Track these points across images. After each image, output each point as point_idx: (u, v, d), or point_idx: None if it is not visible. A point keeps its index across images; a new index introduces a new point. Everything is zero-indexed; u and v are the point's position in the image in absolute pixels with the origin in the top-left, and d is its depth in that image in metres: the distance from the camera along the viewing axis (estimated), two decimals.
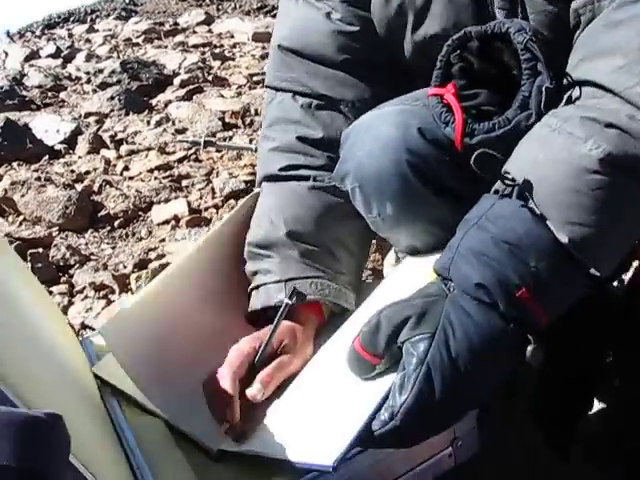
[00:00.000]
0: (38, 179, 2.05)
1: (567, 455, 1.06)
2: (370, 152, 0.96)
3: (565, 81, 0.86)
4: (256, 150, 2.29)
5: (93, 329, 1.42)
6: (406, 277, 1.03)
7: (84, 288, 1.64)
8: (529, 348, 0.80)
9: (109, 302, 1.58)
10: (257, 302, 1.04)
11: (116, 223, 1.96)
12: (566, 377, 0.81)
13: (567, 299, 0.82)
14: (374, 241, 1.38)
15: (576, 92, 0.84)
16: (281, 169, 1.09)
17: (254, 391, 0.94)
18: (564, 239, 0.78)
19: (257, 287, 1.05)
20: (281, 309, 0.97)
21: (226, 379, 0.93)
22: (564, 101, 0.85)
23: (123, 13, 5.42)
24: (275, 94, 1.14)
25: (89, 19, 5.46)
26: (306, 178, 1.08)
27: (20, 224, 1.94)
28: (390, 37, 1.03)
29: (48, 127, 2.56)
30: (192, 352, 1.02)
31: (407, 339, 0.79)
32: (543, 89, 0.84)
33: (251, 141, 2.44)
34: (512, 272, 0.78)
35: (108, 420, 1.00)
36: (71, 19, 5.52)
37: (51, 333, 1.05)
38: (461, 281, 0.81)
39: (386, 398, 0.79)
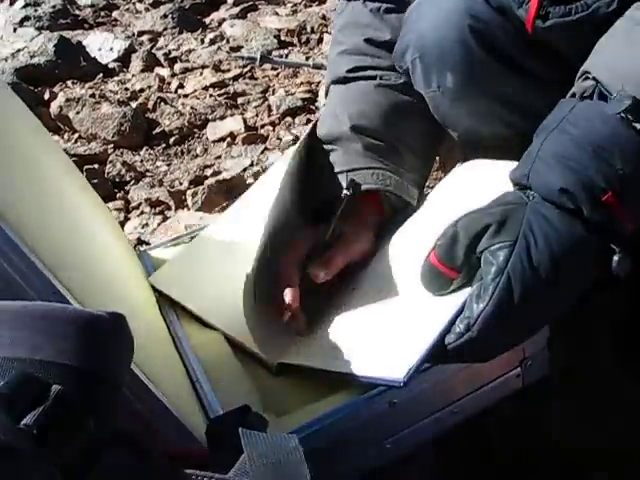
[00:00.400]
0: (92, 96, 2.02)
1: None
2: (432, 21, 0.93)
3: None
4: (313, 67, 2.23)
5: (149, 244, 1.40)
6: (469, 178, 0.97)
7: (140, 204, 1.62)
8: (615, 258, 0.74)
9: (165, 218, 1.56)
10: (318, 194, 1.02)
11: (171, 140, 1.92)
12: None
13: None
14: (437, 158, 1.32)
15: None
16: (348, 70, 1.06)
17: (315, 269, 0.93)
18: None
19: (319, 180, 1.02)
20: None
21: (285, 264, 0.94)
22: None
23: None
24: (346, 4, 1.11)
25: None
26: (373, 78, 1.04)
27: (75, 141, 1.92)
28: None
29: (102, 45, 2.51)
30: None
31: (486, 248, 0.75)
32: None
33: (307, 59, 2.37)
34: (597, 175, 0.73)
35: (167, 332, 0.99)
36: None
37: (110, 242, 1.03)
38: (542, 187, 0.76)
39: (461, 311, 0.75)
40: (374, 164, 0.98)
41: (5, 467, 0.36)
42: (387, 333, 0.83)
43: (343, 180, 0.97)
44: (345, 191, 0.95)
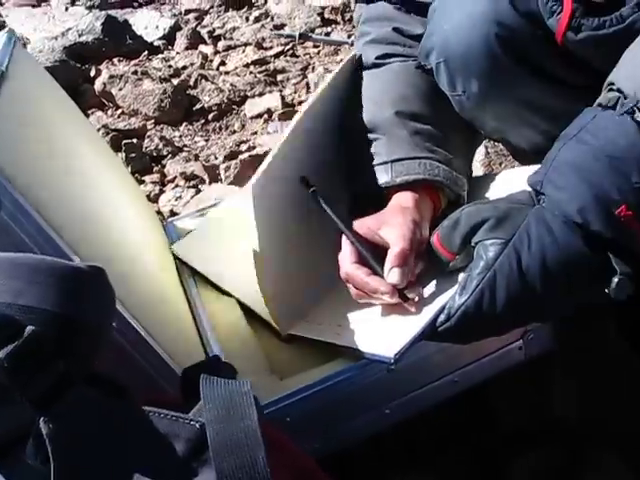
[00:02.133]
0: (135, 73, 2.07)
1: None
2: (457, 25, 0.89)
3: None
4: (352, 45, 2.24)
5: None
6: (500, 182, 0.98)
7: (175, 177, 1.67)
8: (614, 279, 0.73)
9: (198, 191, 1.61)
10: (361, 188, 0.96)
11: (210, 116, 1.97)
12: None
13: None
14: None
15: None
16: (377, 57, 1.01)
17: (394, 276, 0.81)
18: None
19: (362, 173, 0.95)
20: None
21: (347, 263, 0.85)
22: None
23: None
24: (367, 5, 1.07)
25: None
26: (406, 62, 1.00)
27: (118, 117, 1.98)
28: None
29: (148, 24, 2.57)
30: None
31: (480, 240, 0.76)
32: None
33: (349, 37, 2.38)
34: (612, 187, 0.71)
35: (184, 297, 1.03)
36: None
37: (129, 211, 1.07)
38: (553, 196, 0.75)
39: None
40: (421, 153, 0.92)
41: None
42: (389, 314, 0.85)
43: (387, 172, 0.91)
44: (390, 179, 0.90)
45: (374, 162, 0.93)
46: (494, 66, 0.88)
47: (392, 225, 0.84)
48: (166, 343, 0.77)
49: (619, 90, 0.74)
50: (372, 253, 0.84)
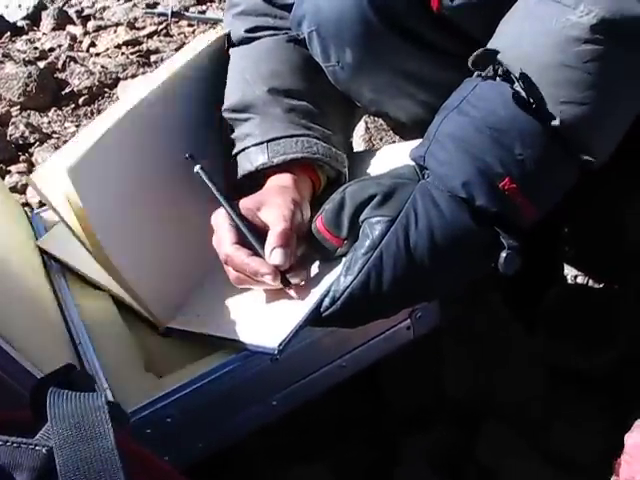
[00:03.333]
0: None
1: (533, 328, 1.03)
2: None
3: None
4: None
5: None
6: (381, 157, 0.95)
7: None
8: (502, 254, 0.72)
9: None
10: (237, 171, 0.89)
11: (80, 100, 1.86)
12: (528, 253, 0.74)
13: (557, 191, 0.74)
14: None
15: None
16: (247, 30, 0.96)
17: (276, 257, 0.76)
18: (555, 121, 0.69)
19: (236, 155, 0.89)
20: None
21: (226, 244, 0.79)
22: None
23: None
24: None
25: None
26: (277, 35, 0.95)
27: None
28: None
29: (9, 2, 2.41)
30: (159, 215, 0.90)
31: (366, 218, 0.73)
32: None
33: None
34: (494, 159, 0.70)
35: (52, 296, 0.95)
36: None
37: None
38: (436, 170, 0.73)
39: None
40: (297, 131, 0.87)
41: None
42: (271, 301, 0.81)
43: (263, 151, 0.86)
44: (266, 162, 0.85)
45: (249, 143, 0.88)
46: (368, 33, 0.85)
47: (271, 205, 0.80)
48: (31, 351, 0.71)
49: (498, 61, 0.72)
50: (254, 233, 0.79)
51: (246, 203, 0.82)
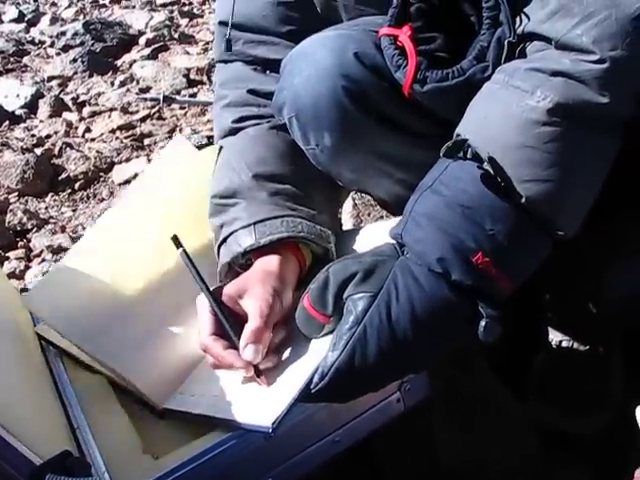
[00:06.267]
0: None
1: (521, 394, 1.04)
2: (306, 79, 0.90)
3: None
4: None
5: None
6: (365, 235, 0.99)
7: (41, 252, 1.61)
8: (482, 323, 0.75)
9: None
10: (225, 255, 0.92)
11: (76, 185, 1.92)
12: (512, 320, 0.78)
13: (530, 263, 0.78)
14: None
15: (526, 46, 0.79)
16: (234, 121, 1.02)
17: (249, 353, 0.81)
18: (521, 199, 0.74)
19: (224, 240, 0.93)
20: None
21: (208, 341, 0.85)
22: (516, 56, 0.80)
23: None
24: (224, 65, 1.08)
25: None
26: (261, 124, 1.01)
27: None
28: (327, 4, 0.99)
29: (8, 92, 2.49)
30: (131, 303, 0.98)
31: (350, 295, 0.76)
32: (505, 42, 0.79)
33: None
34: (467, 235, 0.74)
35: (49, 380, 0.98)
36: None
37: None
38: (413, 247, 0.77)
39: None
40: (282, 212, 0.91)
41: None
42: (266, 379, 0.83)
43: (250, 233, 0.90)
44: (255, 242, 0.88)
45: (237, 226, 0.92)
46: (343, 118, 0.89)
47: (251, 296, 0.85)
48: (28, 437, 0.73)
49: (465, 141, 0.77)
50: (233, 321, 0.84)
51: (229, 290, 0.86)
